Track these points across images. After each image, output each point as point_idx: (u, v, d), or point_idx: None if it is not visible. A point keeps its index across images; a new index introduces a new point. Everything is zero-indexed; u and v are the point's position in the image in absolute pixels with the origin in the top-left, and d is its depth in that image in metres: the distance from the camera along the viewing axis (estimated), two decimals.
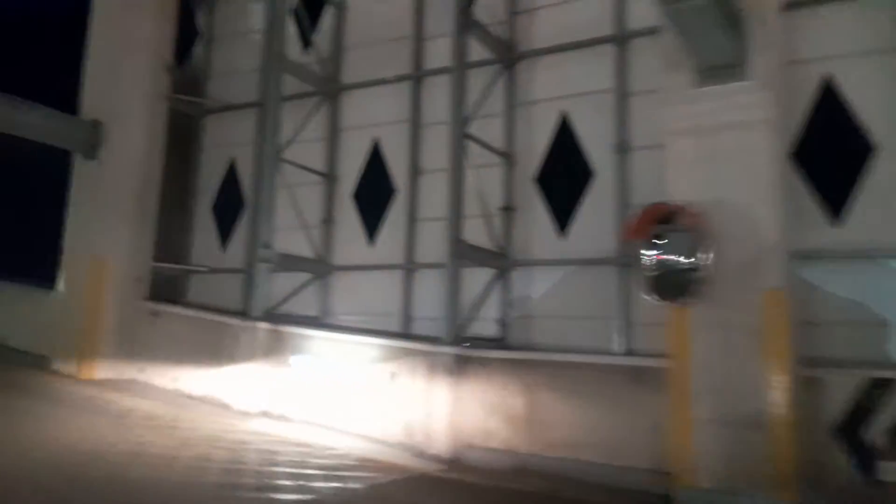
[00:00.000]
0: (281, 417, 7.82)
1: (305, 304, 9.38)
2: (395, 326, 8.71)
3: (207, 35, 11.53)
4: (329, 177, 9.80)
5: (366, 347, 7.47)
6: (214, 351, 8.59)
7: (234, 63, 11.17)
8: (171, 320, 9.24)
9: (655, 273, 5.41)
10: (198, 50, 11.59)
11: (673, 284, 5.38)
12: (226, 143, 11.06)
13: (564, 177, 8.09)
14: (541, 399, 6.46)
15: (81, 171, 9.76)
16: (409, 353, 7.15)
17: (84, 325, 9.27)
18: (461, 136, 7.59)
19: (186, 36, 11.24)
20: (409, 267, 8.89)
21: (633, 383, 6.05)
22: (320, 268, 9.52)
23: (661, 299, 5.50)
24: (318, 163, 9.82)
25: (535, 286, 7.99)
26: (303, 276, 9.46)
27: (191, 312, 9.06)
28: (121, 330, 9.35)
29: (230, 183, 10.92)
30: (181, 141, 10.87)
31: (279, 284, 8.96)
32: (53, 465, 5.27)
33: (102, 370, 9.15)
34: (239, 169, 10.85)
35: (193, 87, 11.24)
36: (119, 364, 9.27)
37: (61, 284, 9.62)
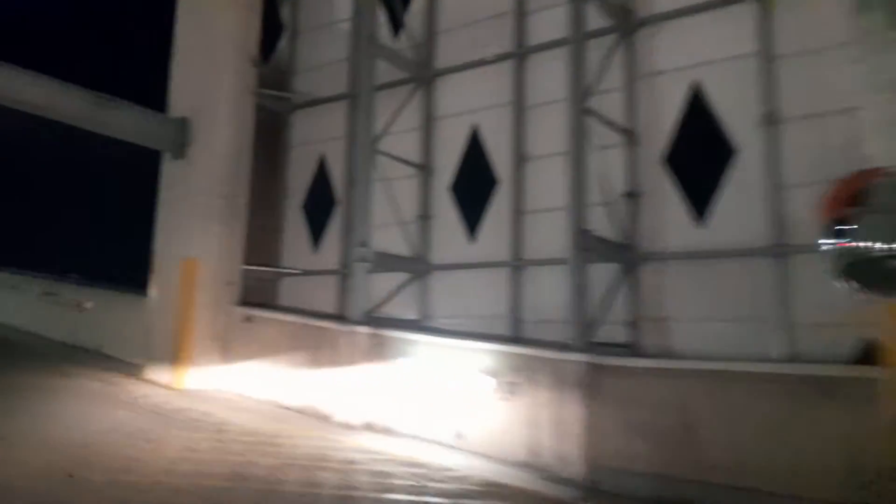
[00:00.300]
0: (386, 430, 7.13)
1: (402, 306, 8.68)
2: (501, 330, 7.88)
3: (292, 28, 11.06)
4: (425, 169, 9.07)
5: (479, 354, 6.65)
6: (312, 358, 8.01)
7: (321, 55, 10.65)
8: (265, 326, 8.73)
9: (863, 258, 4.31)
10: (283, 44, 11.14)
11: (886, 273, 4.28)
12: (315, 139, 10.54)
13: (700, 156, 7.06)
14: (696, 415, 5.46)
15: (170, 170, 9.42)
16: (530, 360, 6.29)
17: (176, 332, 8.89)
18: (581, 114, 6.67)
19: (271, 30, 10.80)
20: (517, 264, 8.03)
21: (819, 396, 4.96)
22: (418, 267, 8.80)
23: (871, 292, 4.40)
24: (413, 155, 9.13)
25: (670, 283, 6.98)
26: (398, 277, 8.77)
27: (286, 317, 8.51)
28: (213, 336, 8.93)
29: (320, 180, 10.38)
30: (268, 139, 10.43)
31: (374, 286, 8.29)
32: (147, 489, 4.72)
33: (195, 379, 8.74)
34: (329, 165, 10.29)
35: (279, 82, 10.79)
36: (212, 372, 8.85)
37: (153, 290, 9.29)
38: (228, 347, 8.99)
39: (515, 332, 7.85)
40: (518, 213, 8.14)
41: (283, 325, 8.50)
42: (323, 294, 9.96)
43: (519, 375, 6.29)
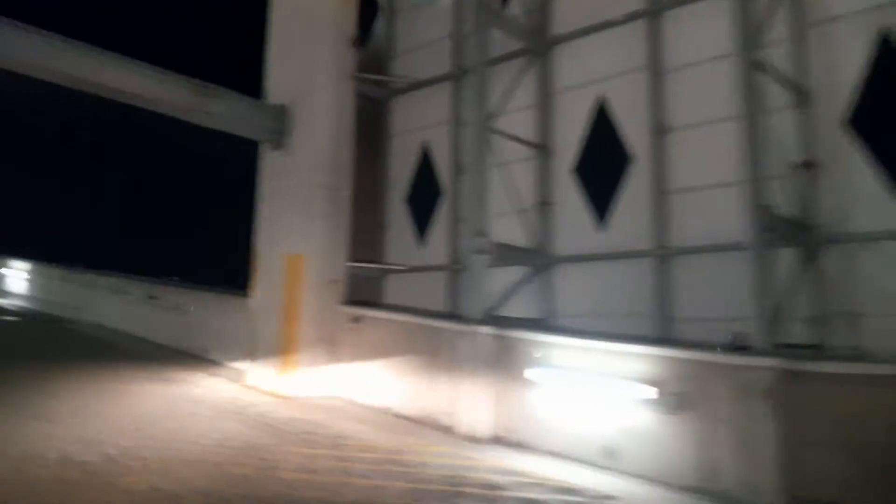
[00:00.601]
0: (519, 445, 6.23)
1: (520, 304, 7.77)
2: (641, 329, 6.83)
3: (389, 8, 10.37)
4: (543, 149, 8.13)
5: (631, 359, 5.63)
6: (427, 361, 7.22)
7: (421, 35, 9.90)
8: (374, 326, 8.01)
9: None
10: (378, 26, 10.48)
11: None
12: (416, 126, 9.80)
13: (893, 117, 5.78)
14: None
15: (269, 163, 8.87)
16: (703, 367, 5.21)
17: (281, 334, 8.32)
18: (751, 70, 5.53)
19: (366, 12, 10.12)
20: (662, 253, 6.96)
21: None
22: (539, 259, 7.86)
23: None
24: (528, 135, 8.20)
25: (863, 270, 5.73)
26: (513, 273, 7.87)
27: (398, 316, 7.75)
28: (318, 338, 8.30)
29: (424, 169, 9.63)
30: (367, 128, 9.75)
31: (488, 282, 7.41)
32: None
33: (301, 384, 8.13)
34: (433, 153, 9.53)
35: (376, 67, 10.12)
36: (318, 377, 8.22)
37: (256, 289, 8.78)
38: (335, 350, 8.35)
39: (663, 331, 6.79)
40: (660, 193, 7.06)
41: (395, 326, 7.74)
42: (430, 291, 9.21)
43: (687, 384, 5.22)
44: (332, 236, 8.64)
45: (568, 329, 7.03)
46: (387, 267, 9.56)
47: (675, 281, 6.83)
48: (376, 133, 10.12)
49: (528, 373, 6.25)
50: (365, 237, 9.62)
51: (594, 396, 5.84)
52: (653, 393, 5.42)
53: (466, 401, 6.69)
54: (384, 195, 10.08)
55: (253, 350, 8.66)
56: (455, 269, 8.89)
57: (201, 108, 7.65)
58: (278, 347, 8.30)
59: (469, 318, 6.92)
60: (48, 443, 5.26)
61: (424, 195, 9.55)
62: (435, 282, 9.09)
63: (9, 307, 16.40)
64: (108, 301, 13.50)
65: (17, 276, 19.30)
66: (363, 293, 9.28)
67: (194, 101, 7.56)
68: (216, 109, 7.82)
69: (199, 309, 10.74)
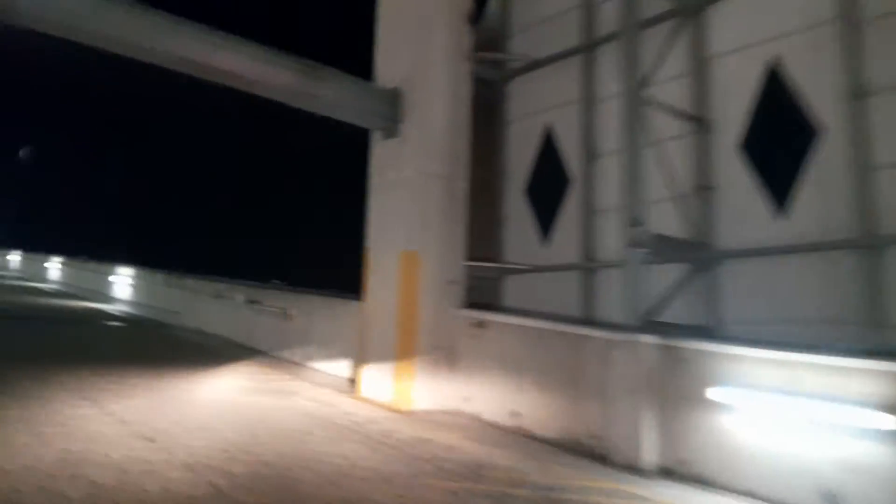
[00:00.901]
0: (698, 480, 5.04)
1: (675, 308, 6.55)
2: (843, 338, 5.48)
3: None
4: (701, 123, 6.89)
5: (855, 377, 4.34)
6: (568, 375, 6.13)
7: (541, 9, 8.87)
8: (501, 333, 7.00)
9: None
10: (492, 3, 9.53)
11: None
12: (537, 109, 8.77)
13: None
14: None
15: (381, 152, 8.04)
16: None
17: (396, 341, 7.46)
18: None
19: None
20: (872, 243, 5.58)
21: None
22: (702, 253, 6.63)
23: None
24: (682, 107, 6.99)
25: None
26: (668, 271, 6.67)
27: (531, 322, 6.70)
28: (436, 346, 7.39)
29: (547, 156, 8.57)
30: (481, 113, 8.78)
31: (646, 282, 6.24)
32: None
33: (419, 397, 7.23)
34: (558, 137, 8.45)
35: (490, 48, 9.15)
36: (437, 389, 7.30)
37: (367, 291, 7.96)
38: (455, 359, 7.41)
39: (871, 341, 5.41)
40: (863, 168, 5.69)
41: (527, 333, 6.70)
42: (557, 294, 8.14)
43: None
44: (448, 233, 7.73)
45: (759, 340, 5.74)
46: (508, 266, 8.54)
47: (890, 278, 5.44)
48: (490, 119, 9.15)
49: (712, 392, 5.05)
50: (479, 234, 8.65)
51: (805, 424, 4.58)
52: (891, 422, 4.13)
53: (623, 423, 5.55)
54: (500, 187, 9.09)
55: (364, 358, 7.85)
56: (589, 267, 7.77)
57: (309, 91, 6.89)
58: (393, 355, 7.44)
59: (626, 326, 5.79)
60: (148, 467, 4.54)
61: (548, 185, 8.49)
62: (562, 283, 8.00)
63: (115, 313, 16.54)
64: (209, 305, 13.18)
65: (124, 282, 19.63)
66: (481, 296, 8.32)
67: (304, 85, 6.81)
68: (324, 93, 7.04)
69: (303, 313, 10.08)
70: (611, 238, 7.53)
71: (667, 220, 6.67)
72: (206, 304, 13.38)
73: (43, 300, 19.68)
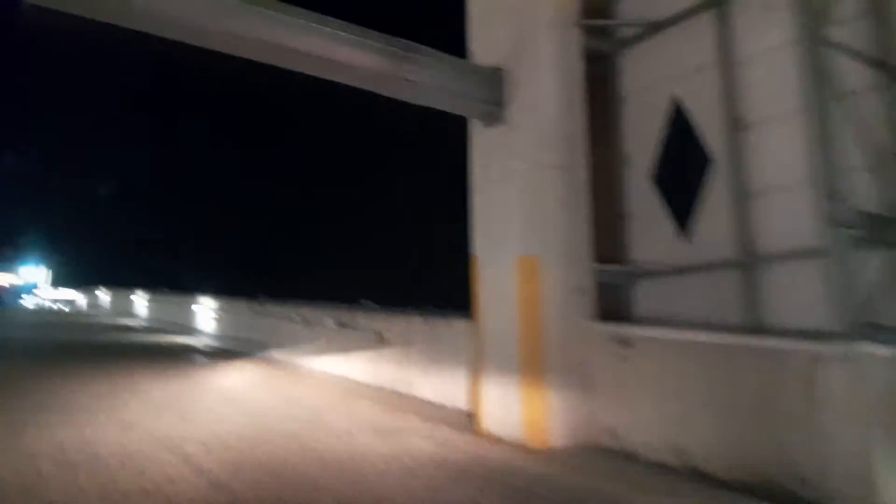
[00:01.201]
0: None
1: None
2: None
3: None
4: (888, 71, 5.41)
5: None
6: (758, 401, 4.76)
7: None
8: (650, 350, 5.68)
9: None
10: None
11: None
12: (660, 79, 7.41)
13: None
14: None
15: (482, 144, 6.91)
16: None
17: (518, 364, 6.26)
18: None
19: None
20: None
21: None
22: None
23: None
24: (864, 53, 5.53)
25: None
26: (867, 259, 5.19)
27: (696, 337, 5.35)
28: (567, 368, 6.15)
29: (678, 134, 7.20)
30: (589, 90, 7.52)
31: (852, 273, 4.80)
32: None
33: (555, 433, 6.00)
34: (692, 109, 7.08)
35: (596, 14, 7.88)
36: (576, 423, 6.06)
37: (477, 308, 6.82)
38: (591, 384, 6.15)
39: None
40: None
41: (690, 350, 5.36)
42: (704, 299, 6.72)
43: None
44: (570, 232, 6.52)
45: None
46: (641, 268, 7.20)
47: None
48: (601, 96, 7.85)
49: None
50: (599, 231, 7.36)
51: None
52: None
53: (847, 463, 4.15)
54: (619, 175, 7.77)
55: (480, 386, 6.69)
56: (745, 264, 6.34)
57: (401, 76, 5.83)
58: (517, 381, 6.25)
59: (837, 333, 4.39)
60: None
61: (681, 167, 7.11)
62: (709, 284, 6.59)
63: (200, 346, 16.05)
64: (297, 332, 12.37)
65: (206, 313, 19.28)
66: (605, 304, 7.03)
67: (394, 68, 5.75)
68: (419, 77, 5.96)
69: (399, 336, 9.03)
70: (776, 223, 6.10)
71: (861, 194, 5.21)
72: (292, 330, 12.59)
73: (135, 337, 19.53)
